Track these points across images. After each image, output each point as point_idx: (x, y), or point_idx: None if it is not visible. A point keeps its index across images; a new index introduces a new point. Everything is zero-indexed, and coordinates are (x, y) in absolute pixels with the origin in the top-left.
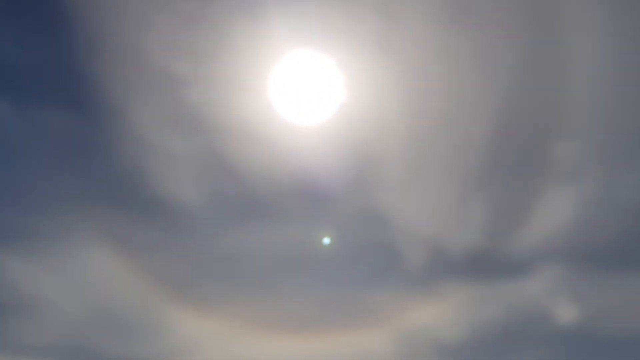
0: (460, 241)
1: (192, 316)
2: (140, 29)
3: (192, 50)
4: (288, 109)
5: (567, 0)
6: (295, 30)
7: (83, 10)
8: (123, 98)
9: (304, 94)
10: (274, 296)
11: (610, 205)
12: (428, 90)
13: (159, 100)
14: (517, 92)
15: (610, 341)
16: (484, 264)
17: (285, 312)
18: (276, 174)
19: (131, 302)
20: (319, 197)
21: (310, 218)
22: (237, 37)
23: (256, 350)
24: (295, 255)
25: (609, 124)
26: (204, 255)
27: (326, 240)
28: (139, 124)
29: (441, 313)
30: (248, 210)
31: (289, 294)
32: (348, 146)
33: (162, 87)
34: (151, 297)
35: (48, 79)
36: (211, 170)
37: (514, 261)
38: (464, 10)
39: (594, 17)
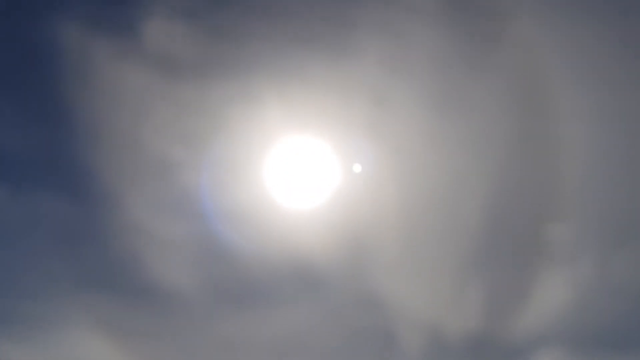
0: (458, 326)
1: None
2: (137, 116)
3: (188, 136)
4: (283, 193)
5: (558, 84)
6: (290, 115)
7: (80, 97)
8: (119, 184)
9: (299, 179)
10: None
11: (607, 286)
12: (421, 175)
13: (154, 186)
14: (509, 175)
15: None
16: (482, 349)
17: None
18: (271, 258)
19: None
20: (314, 281)
21: (305, 302)
22: (233, 122)
23: None
24: (291, 340)
25: (603, 206)
26: (199, 342)
27: None
28: (134, 210)
29: None
30: (243, 295)
31: None
32: (343, 230)
33: (158, 173)
34: None
35: (44, 165)
36: (206, 255)
37: (513, 346)
38: (454, 97)
39: (584, 101)
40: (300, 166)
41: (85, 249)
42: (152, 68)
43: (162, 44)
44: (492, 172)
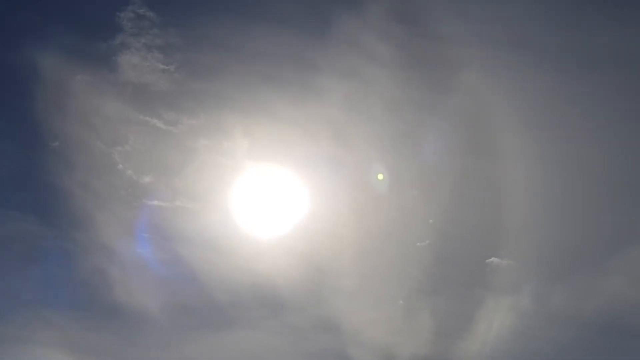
0: (409, 350)
1: None
2: (109, 142)
3: (161, 164)
4: (248, 221)
5: (502, 128)
6: (256, 148)
7: (55, 123)
8: (88, 206)
9: (263, 208)
10: None
11: (546, 316)
12: (376, 206)
13: (123, 210)
14: (457, 210)
15: None
16: None
17: None
18: (235, 283)
19: None
20: (276, 306)
21: (266, 327)
22: (202, 152)
23: None
24: None
25: (543, 241)
26: None
27: None
28: (103, 231)
29: None
30: (206, 318)
31: None
32: (303, 258)
33: (128, 197)
34: None
35: (15, 185)
36: (172, 278)
37: None
38: (407, 136)
39: (527, 144)
40: (264, 196)
41: (53, 268)
42: (125, 98)
43: (136, 76)
44: (440, 207)
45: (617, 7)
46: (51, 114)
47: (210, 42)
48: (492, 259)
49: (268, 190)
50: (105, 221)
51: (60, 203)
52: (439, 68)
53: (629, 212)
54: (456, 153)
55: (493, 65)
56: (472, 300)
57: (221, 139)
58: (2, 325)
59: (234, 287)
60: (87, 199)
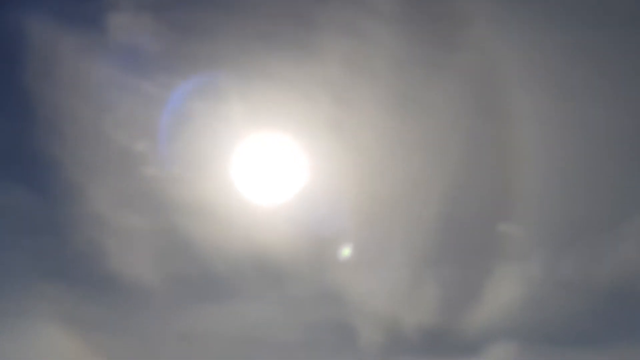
0: (414, 320)
1: None
2: (100, 108)
3: (152, 130)
4: (245, 188)
5: (512, 89)
6: (252, 111)
7: (44, 89)
8: (81, 175)
9: (261, 174)
10: None
11: (556, 284)
12: (380, 172)
13: (117, 178)
14: (465, 175)
15: None
16: (438, 342)
17: None
18: (234, 253)
19: None
20: (277, 276)
21: (266, 297)
22: (197, 117)
23: None
24: (252, 335)
25: (553, 207)
26: (160, 335)
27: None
28: (96, 201)
29: None
30: (205, 289)
31: None
32: (304, 227)
33: (121, 165)
34: None
35: (3, 155)
36: (169, 248)
37: (467, 339)
38: (412, 97)
39: (539, 105)
40: (262, 163)
41: (45, 240)
42: (116, 62)
43: (127, 38)
44: (448, 171)
45: None
46: (38, 79)
47: (202, 0)
48: (502, 226)
49: (266, 156)
50: (99, 191)
51: (51, 173)
52: (446, 23)
53: None
54: (464, 115)
55: (503, 20)
56: (480, 268)
57: (216, 103)
58: None
59: (233, 257)
60: (79, 168)
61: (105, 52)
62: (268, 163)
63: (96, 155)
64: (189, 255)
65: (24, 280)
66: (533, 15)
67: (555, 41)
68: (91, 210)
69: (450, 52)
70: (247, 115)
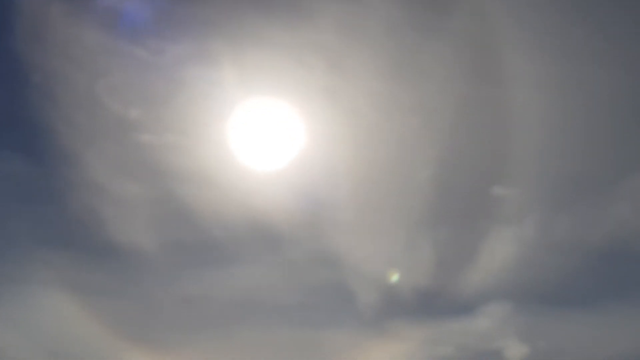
0: (411, 282)
1: None
2: (94, 74)
3: (148, 96)
4: (241, 154)
5: (506, 52)
6: (246, 77)
7: (35, 55)
8: (77, 143)
9: (256, 140)
10: (229, 339)
11: (549, 245)
12: (375, 136)
13: (113, 145)
14: (459, 138)
15: None
16: (434, 304)
17: (240, 355)
18: (231, 218)
19: (86, 348)
20: (274, 240)
21: (264, 261)
22: (191, 83)
23: None
24: (251, 299)
25: (546, 169)
26: (160, 300)
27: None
28: (92, 168)
29: (395, 352)
30: (203, 255)
31: (244, 337)
32: (301, 191)
33: (118, 132)
34: (107, 342)
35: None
36: (166, 214)
37: (462, 300)
38: (407, 62)
39: (533, 68)
40: (257, 129)
41: (44, 207)
42: (107, 27)
43: (119, 4)
44: (443, 135)
45: None
46: (29, 45)
47: None
48: (496, 188)
49: (261, 122)
50: (94, 158)
51: (46, 140)
52: None
53: (637, 137)
54: (459, 79)
55: None
56: (474, 231)
57: (209, 68)
58: None
59: (230, 222)
60: (74, 135)
61: (98, 18)
62: (263, 129)
63: (91, 122)
64: (187, 221)
65: (23, 247)
66: None
67: (550, 2)
68: (88, 177)
69: (444, 15)
70: (241, 81)
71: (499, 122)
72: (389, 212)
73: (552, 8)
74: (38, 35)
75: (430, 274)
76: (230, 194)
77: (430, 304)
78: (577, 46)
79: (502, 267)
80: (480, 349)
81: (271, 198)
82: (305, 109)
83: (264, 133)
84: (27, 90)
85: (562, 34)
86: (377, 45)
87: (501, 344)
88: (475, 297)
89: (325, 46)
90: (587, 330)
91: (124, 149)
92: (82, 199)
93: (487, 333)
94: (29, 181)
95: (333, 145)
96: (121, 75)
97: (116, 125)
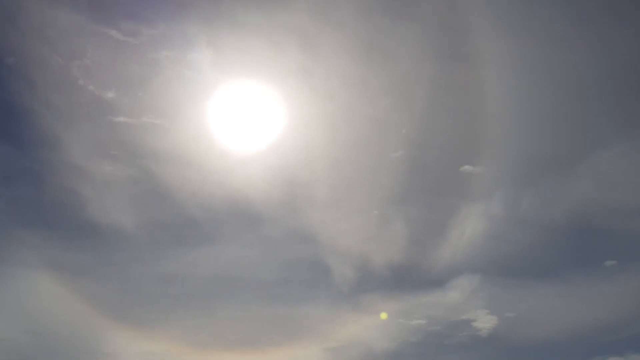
0: (384, 257)
1: (129, 338)
2: (71, 57)
3: (124, 78)
4: (218, 135)
5: (476, 34)
6: (220, 60)
7: (11, 37)
8: (55, 125)
9: (232, 121)
10: (209, 316)
11: (516, 220)
12: (348, 117)
13: (91, 127)
14: (430, 118)
15: (524, 344)
16: (406, 278)
17: (220, 331)
18: (210, 198)
19: (67, 327)
20: (252, 219)
21: (243, 240)
22: (165, 65)
23: None
24: (230, 275)
25: (514, 147)
26: (140, 279)
27: None
28: (71, 150)
29: (369, 325)
30: (182, 234)
31: (223, 313)
32: (277, 170)
33: (95, 113)
34: (88, 320)
35: None
36: (145, 195)
37: (433, 274)
38: (379, 44)
39: (503, 49)
40: (233, 110)
41: (23, 189)
42: (82, 9)
43: None
44: (414, 115)
45: None
46: (4, 28)
47: None
48: (465, 166)
49: (237, 103)
50: (71, 140)
51: (23, 122)
52: None
53: (599, 118)
54: (430, 60)
55: None
56: (445, 208)
57: (184, 50)
58: None
59: (208, 202)
60: (50, 117)
61: (74, 0)
62: (238, 110)
63: (66, 103)
64: (166, 201)
65: (4, 228)
66: None
67: None
68: (66, 159)
69: None
70: (216, 63)
71: (468, 103)
72: (363, 191)
73: None
74: (13, 18)
75: (402, 250)
76: (207, 174)
77: (403, 278)
78: (543, 29)
79: (471, 242)
80: (451, 320)
81: (248, 177)
82: (280, 90)
83: (239, 114)
84: (3, 72)
85: (528, 16)
86: (350, 28)
87: (471, 315)
88: (445, 271)
89: (300, 28)
90: (551, 300)
91: (102, 131)
92: (61, 180)
93: (457, 305)
94: (6, 163)
95: (307, 125)
96: (98, 57)
97: (94, 107)
